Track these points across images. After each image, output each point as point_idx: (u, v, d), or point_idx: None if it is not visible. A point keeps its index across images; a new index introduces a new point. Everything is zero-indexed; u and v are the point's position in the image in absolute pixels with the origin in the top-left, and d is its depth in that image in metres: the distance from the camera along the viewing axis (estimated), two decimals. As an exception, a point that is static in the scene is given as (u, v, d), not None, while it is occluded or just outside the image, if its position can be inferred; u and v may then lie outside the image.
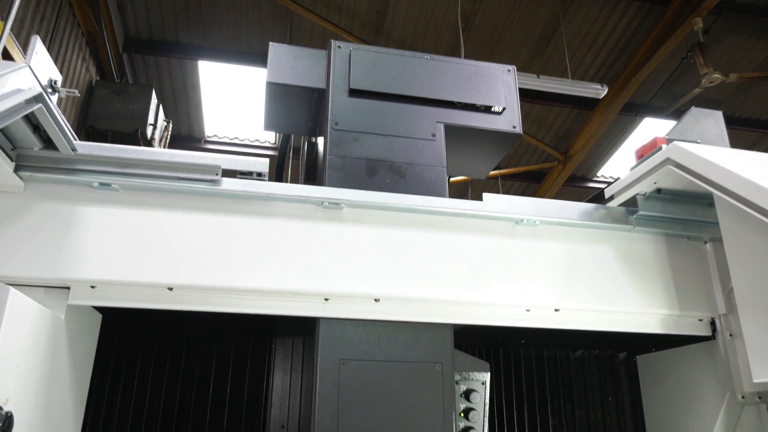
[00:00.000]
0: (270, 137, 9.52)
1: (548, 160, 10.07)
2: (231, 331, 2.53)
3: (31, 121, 1.78)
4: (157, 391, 2.39)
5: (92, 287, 1.87)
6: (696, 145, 2.04)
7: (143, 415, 2.35)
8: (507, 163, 10.23)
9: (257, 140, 9.56)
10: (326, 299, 2.01)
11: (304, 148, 3.13)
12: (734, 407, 2.32)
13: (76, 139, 1.92)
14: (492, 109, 2.52)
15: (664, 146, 2.13)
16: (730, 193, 1.81)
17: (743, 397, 2.26)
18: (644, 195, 2.32)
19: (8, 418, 1.45)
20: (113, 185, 1.93)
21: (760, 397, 2.28)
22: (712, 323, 2.38)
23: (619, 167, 10.63)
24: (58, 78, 1.67)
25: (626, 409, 2.86)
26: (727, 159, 1.91)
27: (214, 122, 9.28)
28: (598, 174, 10.87)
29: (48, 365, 1.76)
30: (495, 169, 9.80)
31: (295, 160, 4.47)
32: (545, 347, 2.87)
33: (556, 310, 2.20)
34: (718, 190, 1.88)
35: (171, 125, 7.80)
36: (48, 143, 1.86)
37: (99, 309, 2.22)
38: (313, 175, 2.87)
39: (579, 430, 2.79)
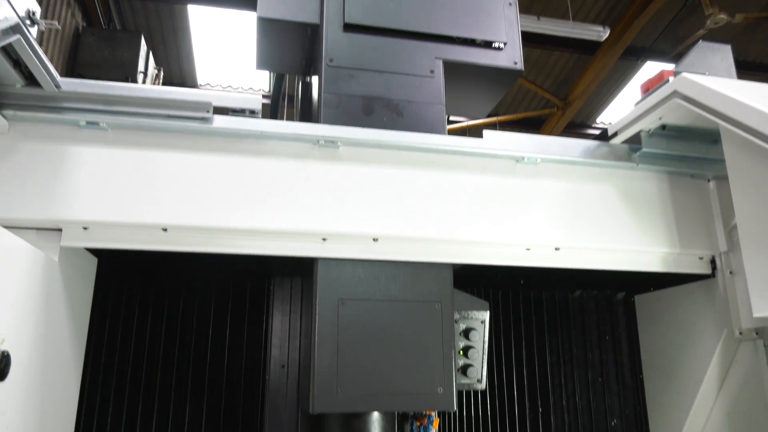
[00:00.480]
0: (264, 85, 9.34)
1: (547, 106, 9.92)
2: (229, 275, 2.51)
3: (11, 55, 1.70)
4: (156, 335, 2.39)
5: (84, 228, 1.83)
6: (704, 77, 1.97)
7: (143, 357, 2.36)
8: (506, 109, 10.08)
9: (251, 88, 9.38)
10: (324, 239, 1.98)
11: (298, 90, 3.04)
12: (731, 344, 2.34)
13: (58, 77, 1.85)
14: (492, 45, 2.43)
15: (671, 79, 2.06)
16: (739, 124, 1.75)
17: (740, 333, 2.28)
18: (648, 132, 2.26)
19: (4, 357, 1.44)
20: (101, 124, 1.87)
21: (757, 333, 2.29)
22: (712, 261, 2.37)
23: (619, 113, 10.50)
24: (37, 9, 1.58)
25: (623, 347, 2.89)
26: (736, 90, 1.85)
27: (206, 69, 9.06)
28: (598, 120, 10.75)
29: (44, 307, 1.74)
30: (493, 115, 9.67)
31: (289, 109, 4.37)
32: (544, 288, 2.87)
33: (556, 248, 2.18)
34: (726, 121, 1.82)
35: (162, 73, 7.61)
36: (30, 80, 1.79)
37: (94, 252, 2.20)
38: (308, 117, 2.79)
39: (576, 369, 2.82)
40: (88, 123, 1.85)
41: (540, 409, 2.73)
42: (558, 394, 2.78)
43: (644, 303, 2.88)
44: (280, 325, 2.34)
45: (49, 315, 1.79)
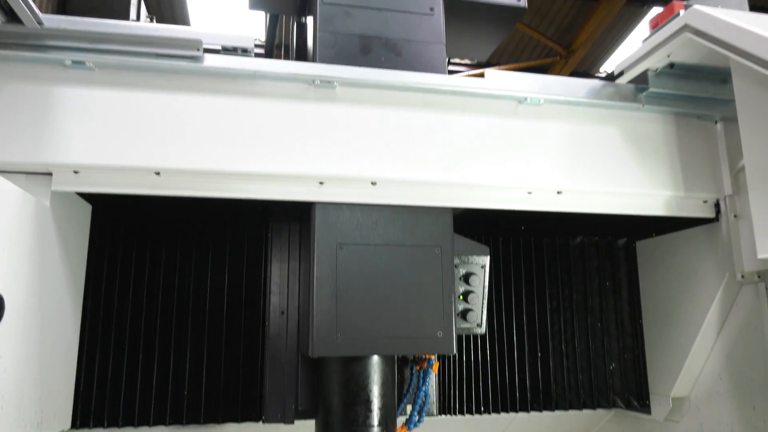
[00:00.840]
0: (260, 35, 9.09)
1: (550, 54, 9.70)
2: (226, 221, 2.48)
3: (-11, -11, 1.61)
4: (154, 282, 2.38)
5: (75, 172, 1.78)
6: (717, 9, 1.88)
7: (143, 305, 2.35)
8: (507, 59, 9.86)
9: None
10: (321, 183, 1.94)
11: (293, 35, 2.94)
12: (732, 287, 2.33)
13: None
14: (495, -20, 2.32)
15: (682, 12, 1.97)
16: (753, 57, 1.68)
17: (742, 277, 2.26)
18: (656, 71, 2.18)
19: (-1, 301, 1.42)
20: (87, 63, 1.79)
21: (759, 276, 2.27)
22: (716, 205, 2.33)
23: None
24: (13, -63, 1.49)
25: (623, 293, 2.89)
26: (749, 22, 1.76)
27: (199, 19, 8.81)
28: (602, 70, 10.52)
29: (37, 253, 1.72)
30: (494, 65, 9.46)
31: (285, 59, 4.25)
32: (545, 234, 2.84)
33: (558, 192, 2.14)
34: (739, 55, 1.75)
35: (154, 21, 7.39)
36: (11, 16, 1.70)
37: (87, 199, 2.16)
38: (303, 60, 2.70)
39: (576, 314, 2.82)
40: (74, 62, 1.78)
41: (539, 354, 2.75)
42: (557, 339, 2.79)
43: (646, 249, 2.86)
44: (279, 272, 2.32)
45: (44, 261, 1.76)
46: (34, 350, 1.71)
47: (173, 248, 2.42)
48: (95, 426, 2.24)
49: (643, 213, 2.23)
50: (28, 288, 1.65)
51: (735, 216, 2.27)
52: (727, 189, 2.28)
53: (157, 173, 1.81)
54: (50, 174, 1.79)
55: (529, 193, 2.12)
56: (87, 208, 2.18)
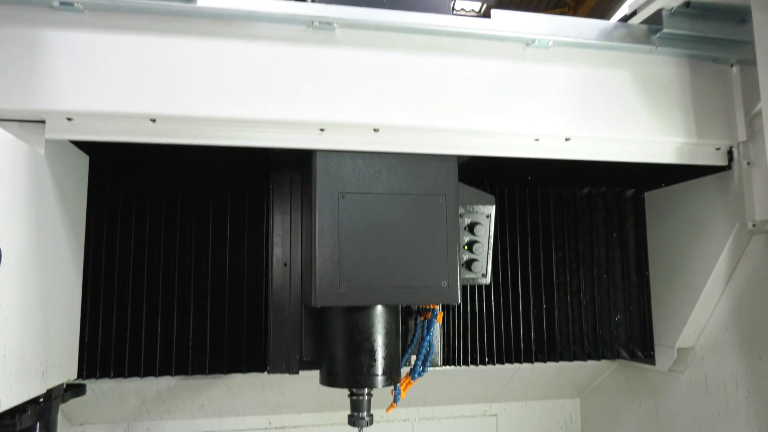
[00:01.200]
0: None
1: (558, 6, 9.42)
2: (227, 173, 2.43)
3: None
4: (155, 234, 2.35)
5: (69, 120, 1.73)
6: (738, -60, 1.77)
7: (144, 258, 2.33)
8: (515, 8, 9.59)
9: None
10: (321, 129, 1.88)
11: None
12: (743, 236, 2.28)
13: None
14: None
15: (701, -58, 1.86)
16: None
17: (753, 226, 2.21)
18: (670, 10, 2.08)
19: (-6, 248, 1.39)
20: (76, 5, 1.72)
21: (770, 225, 2.23)
22: (729, 152, 2.27)
23: (633, 13, 9.96)
24: None
25: (630, 244, 2.85)
26: (773, -46, 1.66)
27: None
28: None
29: (34, 202, 1.68)
30: (501, 17, 9.19)
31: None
32: (552, 185, 2.79)
33: (566, 139, 2.08)
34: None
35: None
36: (-7, -47, 1.63)
37: (85, 149, 2.12)
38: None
39: (582, 265, 2.79)
40: (62, 4, 1.71)
41: (544, 305, 2.73)
42: (563, 291, 2.77)
43: (654, 199, 2.81)
44: (281, 223, 2.29)
45: (41, 210, 1.73)
46: (36, 299, 1.70)
47: (173, 200, 2.39)
48: (102, 376, 2.26)
49: (653, 161, 2.17)
50: (25, 236, 1.62)
51: (748, 163, 2.21)
52: (741, 135, 2.21)
53: (153, 120, 1.76)
54: (43, 122, 1.74)
55: (536, 140, 2.06)
56: (84, 159, 2.14)
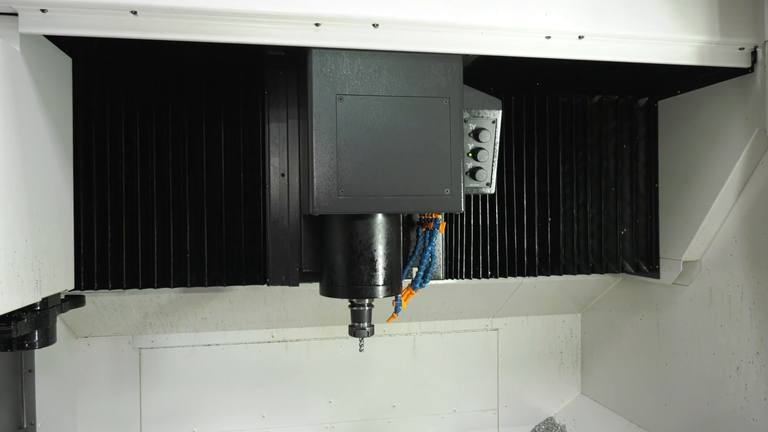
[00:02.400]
0: None
1: None
2: (219, 77, 2.31)
3: None
4: (147, 143, 2.26)
5: (42, 11, 1.60)
6: None
7: (136, 167, 2.25)
8: None
9: None
10: (317, 24, 1.75)
11: None
12: (761, 143, 2.18)
13: None
14: None
15: None
16: None
17: (773, 132, 2.11)
18: None
19: (-31, 146, 1.31)
20: None
21: (792, 131, 2.12)
22: (753, 53, 2.12)
23: None
24: None
25: (641, 155, 2.75)
26: None
27: None
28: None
29: (11, 101, 1.58)
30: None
31: None
32: (561, 92, 2.66)
33: (580, 37, 1.94)
34: None
35: None
36: None
37: (67, 51, 1.99)
38: None
39: (590, 177, 2.71)
40: None
41: (549, 218, 2.67)
42: (569, 203, 2.70)
43: (668, 108, 2.68)
44: (277, 132, 2.19)
45: (21, 110, 1.63)
46: (22, 204, 1.63)
47: (164, 106, 2.27)
48: (100, 288, 2.24)
49: (672, 62, 2.04)
50: (5, 137, 1.54)
51: (772, 65, 2.08)
52: (768, 34, 2.06)
53: (134, 12, 1.63)
54: (16, 14, 1.61)
55: (548, 37, 1.92)
56: (67, 61, 2.01)
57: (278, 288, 2.62)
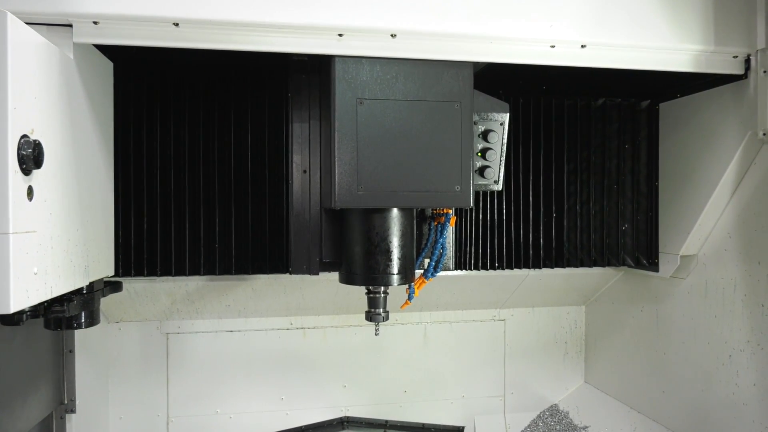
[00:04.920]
0: None
1: None
2: (247, 83, 2.49)
3: None
4: (180, 142, 2.44)
5: (95, 23, 1.78)
6: None
7: (170, 164, 2.43)
8: None
9: None
10: (340, 35, 1.91)
11: None
12: (753, 145, 2.33)
13: None
14: None
15: None
16: None
17: (765, 134, 2.24)
18: None
19: (37, 146, 1.49)
20: None
21: (781, 134, 2.26)
22: (747, 60, 2.26)
23: None
24: None
25: (642, 156, 2.90)
26: None
27: None
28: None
29: (67, 105, 1.76)
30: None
31: None
32: (566, 95, 2.81)
33: (582, 46, 2.09)
34: None
35: None
36: None
37: (109, 56, 2.17)
38: None
39: (593, 176, 2.86)
40: None
41: (554, 214, 2.83)
42: (573, 200, 2.86)
43: (669, 110, 2.82)
44: (300, 132, 2.36)
45: (74, 114, 1.81)
46: (75, 197, 1.81)
47: (195, 108, 2.46)
48: (136, 275, 2.43)
49: (669, 69, 2.18)
50: (62, 138, 1.72)
51: (765, 72, 2.21)
52: (760, 42, 2.20)
53: (176, 24, 1.80)
54: (70, 26, 1.79)
55: (552, 46, 2.07)
56: (109, 66, 2.19)
57: (298, 277, 2.80)
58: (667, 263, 2.82)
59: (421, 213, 2.45)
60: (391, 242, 2.18)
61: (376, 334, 2.36)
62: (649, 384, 3.06)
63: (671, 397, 2.89)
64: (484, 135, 2.25)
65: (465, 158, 2.07)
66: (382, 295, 2.26)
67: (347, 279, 2.25)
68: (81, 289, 2.01)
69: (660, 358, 2.96)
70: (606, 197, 2.88)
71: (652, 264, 2.89)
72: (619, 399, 3.34)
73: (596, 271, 3.12)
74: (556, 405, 3.63)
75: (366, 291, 2.28)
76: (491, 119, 2.25)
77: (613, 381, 3.41)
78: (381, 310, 2.26)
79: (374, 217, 2.17)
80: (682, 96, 2.71)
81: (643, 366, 3.10)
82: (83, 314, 2.05)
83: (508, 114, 2.25)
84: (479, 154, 2.25)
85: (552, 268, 2.85)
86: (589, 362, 3.65)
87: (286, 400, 3.32)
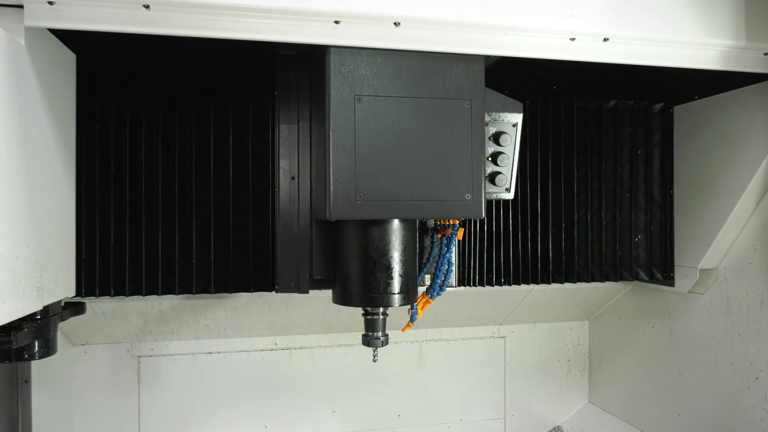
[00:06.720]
0: None
1: None
2: (228, 76, 2.23)
3: None
4: (152, 144, 2.17)
5: (50, 3, 1.51)
6: None
7: (141, 170, 2.16)
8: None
9: None
10: (336, 21, 1.67)
11: None
12: (783, 150, 2.14)
13: None
14: None
15: None
16: None
17: (797, 139, 2.06)
18: None
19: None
20: None
21: (816, 138, 2.08)
22: (778, 58, 2.08)
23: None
24: None
25: (655, 162, 2.70)
26: None
27: None
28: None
29: (16, 98, 1.49)
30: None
31: None
32: (577, 96, 2.60)
33: (605, 39, 1.88)
34: None
35: None
36: None
37: (72, 48, 1.90)
38: None
39: (604, 183, 2.66)
40: None
41: (563, 225, 2.62)
42: (583, 210, 2.65)
43: (685, 114, 2.63)
44: (287, 134, 2.12)
45: (24, 108, 1.55)
46: (24, 207, 1.54)
47: (171, 107, 2.19)
48: (102, 295, 2.14)
49: (696, 66, 1.98)
50: (7, 135, 1.45)
51: (798, 71, 2.03)
52: (795, 39, 2.02)
53: (146, 6, 1.54)
54: (21, 6, 1.53)
55: (572, 39, 1.86)
56: (71, 58, 1.93)
57: (284, 295, 2.54)
58: (684, 277, 2.62)
59: (423, 224, 2.21)
60: (392, 257, 1.93)
61: (374, 361, 2.11)
62: (661, 406, 2.85)
63: (687, 421, 2.68)
64: (496, 137, 2.02)
65: (476, 163, 1.84)
66: (381, 317, 2.01)
67: (342, 299, 2.00)
68: (34, 314, 1.74)
69: (675, 378, 2.76)
70: (618, 206, 2.68)
71: (667, 278, 2.69)
72: (626, 420, 3.13)
73: (603, 284, 2.91)
74: (559, 427, 3.41)
75: (363, 312, 2.03)
76: (503, 120, 2.03)
77: (620, 401, 3.20)
78: (380, 333, 2.02)
79: (373, 229, 1.92)
80: (699, 98, 2.52)
81: (655, 386, 2.89)
82: (36, 343, 1.77)
83: (521, 114, 2.04)
84: (490, 158, 2.03)
85: (562, 283, 2.63)
86: (593, 381, 3.44)
87: (271, 428, 3.04)
